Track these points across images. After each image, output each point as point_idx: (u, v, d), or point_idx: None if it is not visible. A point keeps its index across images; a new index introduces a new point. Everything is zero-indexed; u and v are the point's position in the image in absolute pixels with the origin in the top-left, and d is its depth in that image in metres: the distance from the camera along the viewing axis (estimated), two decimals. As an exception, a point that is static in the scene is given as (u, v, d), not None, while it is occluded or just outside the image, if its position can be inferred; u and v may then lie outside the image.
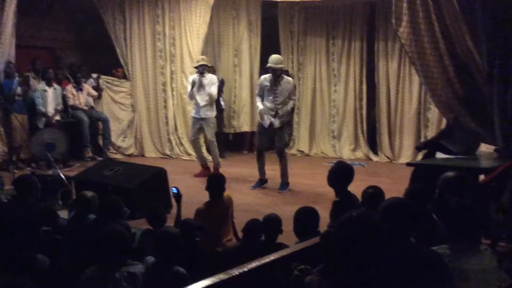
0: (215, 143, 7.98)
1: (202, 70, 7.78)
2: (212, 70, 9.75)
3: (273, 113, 7.03)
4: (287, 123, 7.76)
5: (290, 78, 7.22)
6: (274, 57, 7.04)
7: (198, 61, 8.05)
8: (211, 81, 7.81)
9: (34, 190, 4.40)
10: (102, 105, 9.86)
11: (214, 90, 7.78)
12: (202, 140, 8.65)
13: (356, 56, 10.00)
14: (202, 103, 7.74)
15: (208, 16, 9.63)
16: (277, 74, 6.97)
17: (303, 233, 3.55)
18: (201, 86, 7.74)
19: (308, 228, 3.56)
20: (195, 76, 7.85)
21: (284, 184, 7.16)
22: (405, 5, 5.79)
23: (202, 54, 9.60)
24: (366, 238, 2.16)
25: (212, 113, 7.87)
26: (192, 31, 9.68)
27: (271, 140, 7.23)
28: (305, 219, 3.63)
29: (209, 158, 8.33)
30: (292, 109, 7.19)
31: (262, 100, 7.13)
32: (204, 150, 8.61)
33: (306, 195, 6.82)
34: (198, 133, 8.04)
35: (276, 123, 7.05)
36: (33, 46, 10.20)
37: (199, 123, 7.85)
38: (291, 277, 2.39)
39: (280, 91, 7.01)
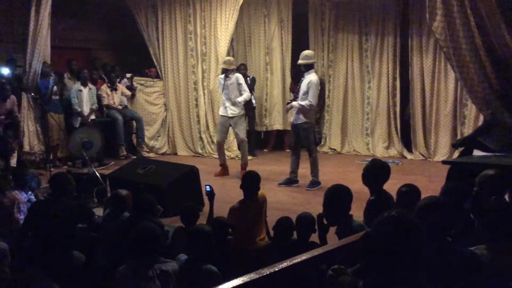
0: (246, 142, 8.02)
1: (224, 72, 7.95)
2: (244, 68, 9.80)
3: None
4: (314, 122, 7.60)
5: (312, 78, 6.97)
6: (302, 52, 7.15)
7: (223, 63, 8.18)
8: (235, 80, 7.84)
9: (69, 188, 4.48)
10: (136, 105, 10.01)
11: (243, 94, 7.86)
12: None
13: (389, 52, 9.84)
14: (227, 103, 7.85)
15: (237, 14, 9.65)
16: (301, 70, 7.05)
17: (334, 215, 3.42)
18: (225, 87, 7.85)
19: (339, 210, 3.41)
20: (221, 77, 8.02)
21: (313, 182, 7.09)
22: (439, -1, 5.67)
23: (232, 53, 9.63)
24: (406, 238, 2.12)
25: (240, 111, 7.87)
26: (222, 30, 9.71)
27: (299, 138, 7.18)
28: (338, 198, 3.45)
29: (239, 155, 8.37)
30: (308, 106, 6.99)
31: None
32: (234, 148, 8.66)
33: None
34: (225, 134, 8.12)
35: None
36: (68, 47, 10.43)
37: (227, 122, 7.92)
38: (325, 277, 2.36)
39: (302, 88, 7.01)
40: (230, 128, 8.16)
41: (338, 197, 3.47)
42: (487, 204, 2.89)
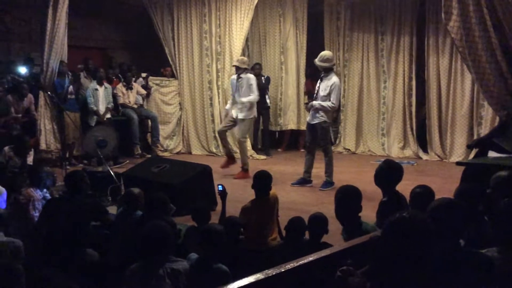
0: (245, 144, 7.89)
1: (236, 71, 7.87)
2: (259, 68, 9.80)
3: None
4: (332, 122, 7.57)
5: (335, 80, 6.92)
6: (321, 53, 7.05)
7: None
8: (247, 82, 7.76)
9: (83, 186, 4.53)
10: (151, 104, 10.07)
11: (252, 96, 7.76)
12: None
13: (405, 52, 9.76)
14: (239, 105, 7.78)
15: (252, 14, 9.66)
16: (319, 70, 6.99)
17: (345, 215, 3.43)
18: (238, 88, 7.81)
19: (349, 210, 3.43)
20: (233, 78, 7.97)
21: (326, 182, 7.05)
22: (455, -2, 5.61)
23: (247, 52, 9.59)
24: (417, 240, 2.10)
25: (246, 115, 7.77)
26: (237, 29, 9.72)
27: (315, 138, 7.14)
28: (347, 199, 3.46)
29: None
30: (330, 107, 6.96)
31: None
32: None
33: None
34: (226, 128, 8.10)
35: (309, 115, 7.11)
36: (85, 46, 10.54)
37: (232, 121, 7.94)
38: (334, 277, 2.35)
39: (321, 89, 6.94)
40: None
41: (347, 197, 3.46)
42: (499, 206, 2.86)
